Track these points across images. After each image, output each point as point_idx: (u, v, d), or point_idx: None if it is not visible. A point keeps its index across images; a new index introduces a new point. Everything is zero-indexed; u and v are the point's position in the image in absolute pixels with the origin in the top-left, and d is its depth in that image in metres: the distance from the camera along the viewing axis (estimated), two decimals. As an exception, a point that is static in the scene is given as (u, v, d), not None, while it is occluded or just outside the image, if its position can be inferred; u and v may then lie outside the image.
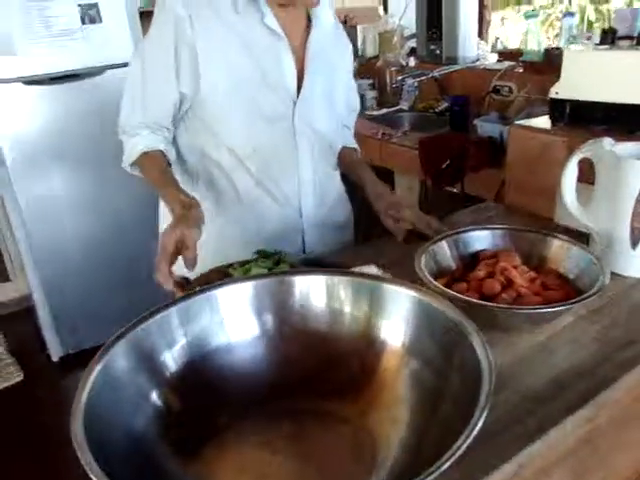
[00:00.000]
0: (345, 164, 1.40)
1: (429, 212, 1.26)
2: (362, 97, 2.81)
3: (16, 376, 2.55)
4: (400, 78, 2.61)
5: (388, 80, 2.78)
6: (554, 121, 1.37)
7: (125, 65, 2.37)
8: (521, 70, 2.34)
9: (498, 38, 3.48)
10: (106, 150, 2.41)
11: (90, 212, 2.50)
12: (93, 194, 2.48)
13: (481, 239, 1.07)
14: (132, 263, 2.60)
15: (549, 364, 0.87)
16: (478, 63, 2.56)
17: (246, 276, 0.80)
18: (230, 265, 1.10)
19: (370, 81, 2.90)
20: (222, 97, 1.15)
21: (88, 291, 2.56)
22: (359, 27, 3.14)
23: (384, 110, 2.70)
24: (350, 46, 1.40)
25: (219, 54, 1.13)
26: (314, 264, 1.15)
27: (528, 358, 0.88)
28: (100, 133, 2.38)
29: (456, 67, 2.51)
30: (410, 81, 2.62)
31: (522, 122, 1.43)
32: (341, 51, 1.35)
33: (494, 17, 5.39)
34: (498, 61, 2.53)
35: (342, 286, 0.80)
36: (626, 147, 1.09)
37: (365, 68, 3.02)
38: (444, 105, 2.52)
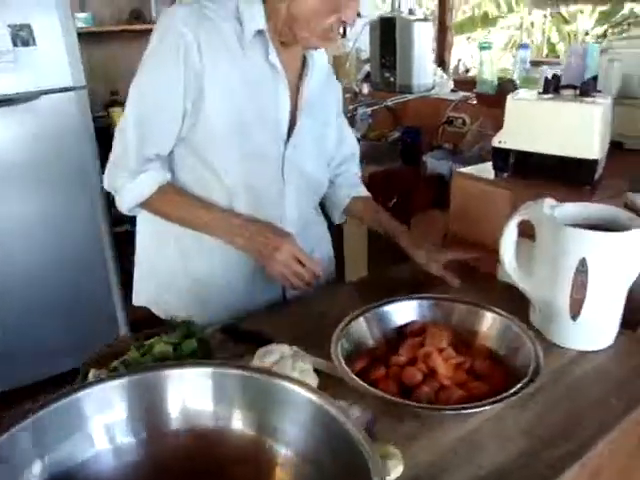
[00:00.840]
0: (366, 217, 1.40)
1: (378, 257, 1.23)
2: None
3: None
4: (352, 107, 2.53)
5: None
6: (498, 170, 1.30)
7: (62, 90, 2.25)
8: (475, 102, 2.28)
9: (460, 60, 3.43)
10: (41, 176, 2.29)
11: (28, 241, 2.35)
12: (29, 222, 2.33)
13: (408, 310, 0.98)
14: (73, 293, 2.47)
15: (473, 463, 0.78)
16: (433, 92, 2.50)
17: (118, 373, 0.69)
18: (137, 338, 0.99)
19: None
20: (221, 130, 1.11)
21: (27, 324, 2.40)
22: (315, 50, 3.05)
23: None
24: (340, 87, 1.37)
25: (222, 86, 1.09)
26: (230, 332, 1.05)
27: (450, 455, 0.79)
28: (34, 159, 2.26)
29: (409, 96, 2.44)
30: (363, 110, 2.54)
31: (465, 169, 1.35)
32: (333, 93, 1.32)
33: (458, 38, 5.38)
34: (452, 91, 2.46)
35: (230, 383, 0.70)
36: (567, 209, 1.02)
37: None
38: (396, 135, 2.44)
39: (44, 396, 0.65)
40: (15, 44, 2.12)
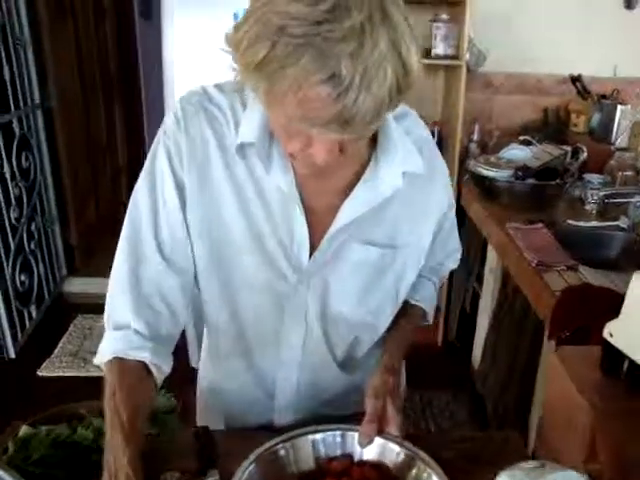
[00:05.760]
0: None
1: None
2: (582, 198, 2.25)
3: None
4: (617, 192, 1.99)
5: (618, 185, 2.16)
6: (605, 371, 0.86)
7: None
8: None
9: None
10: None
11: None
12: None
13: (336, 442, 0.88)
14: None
15: None
16: None
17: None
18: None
19: (601, 179, 2.29)
20: (199, 251, 0.92)
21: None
22: (619, 108, 2.49)
23: (594, 223, 2.09)
24: (446, 191, 1.02)
25: (207, 200, 0.89)
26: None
27: None
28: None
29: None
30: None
31: (567, 350, 0.93)
32: (426, 204, 0.97)
33: None
34: None
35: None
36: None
37: (603, 160, 2.40)
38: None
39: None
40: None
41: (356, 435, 0.87)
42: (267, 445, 0.84)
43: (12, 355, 2.83)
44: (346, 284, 0.95)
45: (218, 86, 0.89)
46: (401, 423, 0.87)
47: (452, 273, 2.94)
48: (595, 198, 2.09)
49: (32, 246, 3.07)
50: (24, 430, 0.95)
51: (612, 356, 0.84)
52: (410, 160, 0.89)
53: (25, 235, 2.99)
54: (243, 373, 1.05)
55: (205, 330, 1.07)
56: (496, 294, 2.38)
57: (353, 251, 0.92)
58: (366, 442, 0.86)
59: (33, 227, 3.09)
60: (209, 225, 0.90)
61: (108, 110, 4.16)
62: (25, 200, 2.99)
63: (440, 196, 1.00)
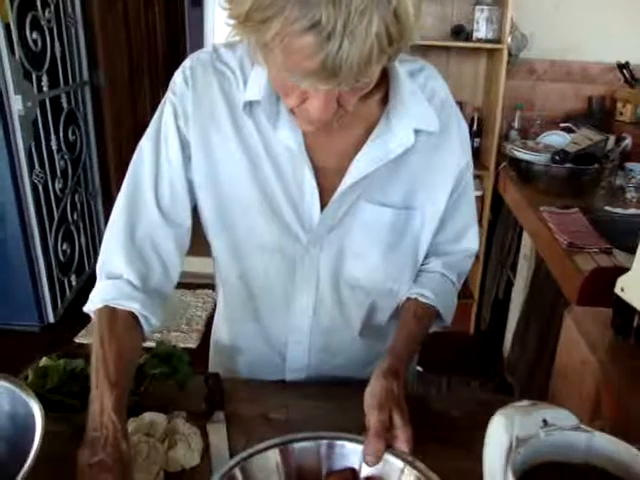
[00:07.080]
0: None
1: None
2: (623, 186, 2.19)
3: (191, 343, 2.87)
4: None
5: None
6: (617, 331, 0.84)
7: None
8: None
9: None
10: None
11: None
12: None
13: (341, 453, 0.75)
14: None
15: None
16: None
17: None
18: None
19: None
20: (206, 209, 0.93)
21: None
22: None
23: (632, 210, 2.03)
24: (463, 153, 0.96)
25: (213, 159, 0.89)
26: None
27: None
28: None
29: None
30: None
31: (580, 310, 0.92)
32: (441, 167, 0.93)
33: None
34: None
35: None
36: (565, 437, 0.60)
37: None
38: None
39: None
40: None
41: (347, 444, 0.76)
42: (232, 463, 0.71)
43: (51, 320, 2.94)
44: (362, 248, 0.93)
45: (228, 45, 0.88)
46: (410, 436, 0.74)
47: (486, 261, 2.89)
48: (634, 182, 2.03)
49: (75, 217, 3.18)
50: (44, 361, 0.99)
51: (623, 313, 0.82)
52: (423, 117, 0.86)
53: (69, 206, 3.10)
54: (254, 335, 1.05)
55: (219, 289, 1.09)
56: (529, 282, 2.34)
57: (366, 212, 0.90)
58: (374, 461, 0.73)
59: (76, 199, 3.20)
60: (216, 183, 0.90)
61: (154, 92, 4.26)
62: (70, 172, 3.10)
63: (457, 157, 0.95)
